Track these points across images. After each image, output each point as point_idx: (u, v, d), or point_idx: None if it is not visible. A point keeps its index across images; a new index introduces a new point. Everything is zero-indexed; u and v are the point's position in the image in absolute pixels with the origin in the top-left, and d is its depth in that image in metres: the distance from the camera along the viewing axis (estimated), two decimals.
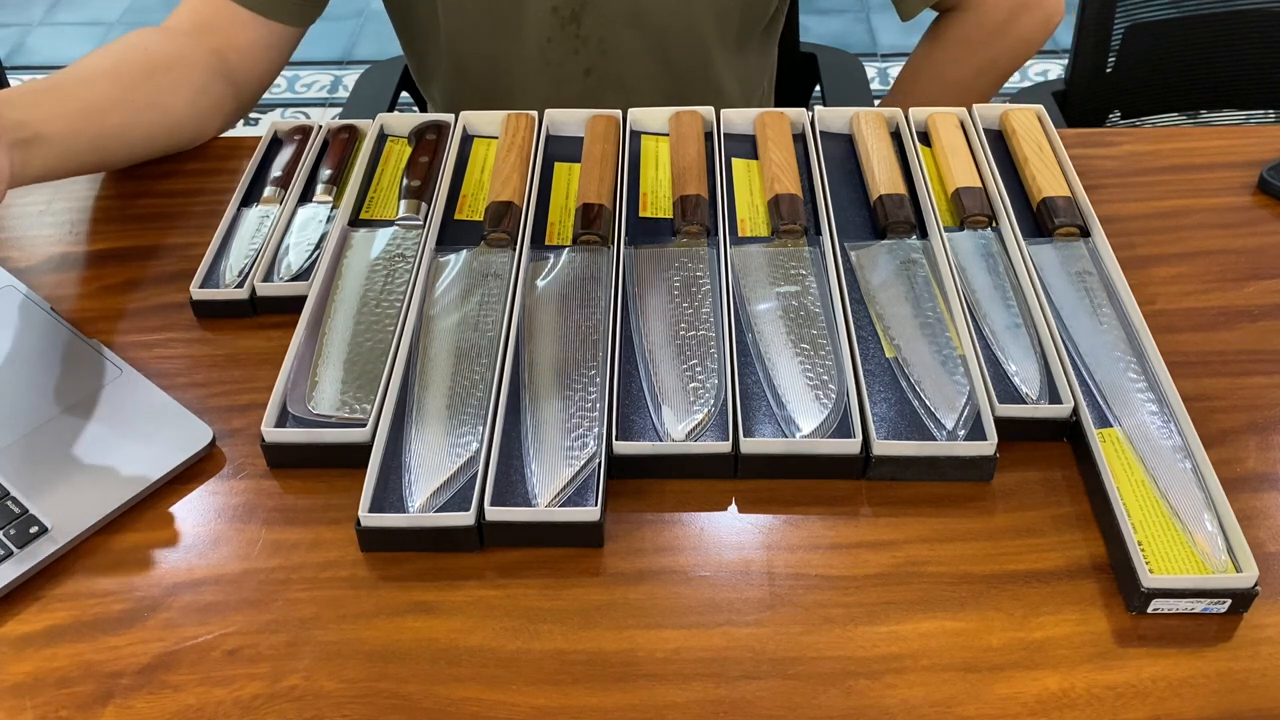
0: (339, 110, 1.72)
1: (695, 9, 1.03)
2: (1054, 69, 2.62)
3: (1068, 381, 0.70)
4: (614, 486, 0.67)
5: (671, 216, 0.84)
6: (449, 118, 0.94)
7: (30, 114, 0.78)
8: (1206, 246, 0.84)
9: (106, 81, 0.87)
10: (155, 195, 0.92)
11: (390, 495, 0.66)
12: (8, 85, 1.34)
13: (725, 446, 0.67)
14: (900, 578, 0.63)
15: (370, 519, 0.64)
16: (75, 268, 0.85)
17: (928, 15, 1.10)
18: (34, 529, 0.64)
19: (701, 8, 1.03)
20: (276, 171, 0.90)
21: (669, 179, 0.88)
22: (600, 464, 0.66)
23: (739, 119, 0.93)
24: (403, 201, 0.86)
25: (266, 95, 1.03)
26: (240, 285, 0.80)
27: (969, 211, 0.82)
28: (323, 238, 0.84)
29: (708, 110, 0.93)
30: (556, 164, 0.91)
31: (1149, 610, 0.60)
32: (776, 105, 1.21)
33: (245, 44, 0.97)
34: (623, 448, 0.67)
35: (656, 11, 1.02)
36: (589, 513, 0.64)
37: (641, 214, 0.85)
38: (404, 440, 0.68)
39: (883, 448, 0.66)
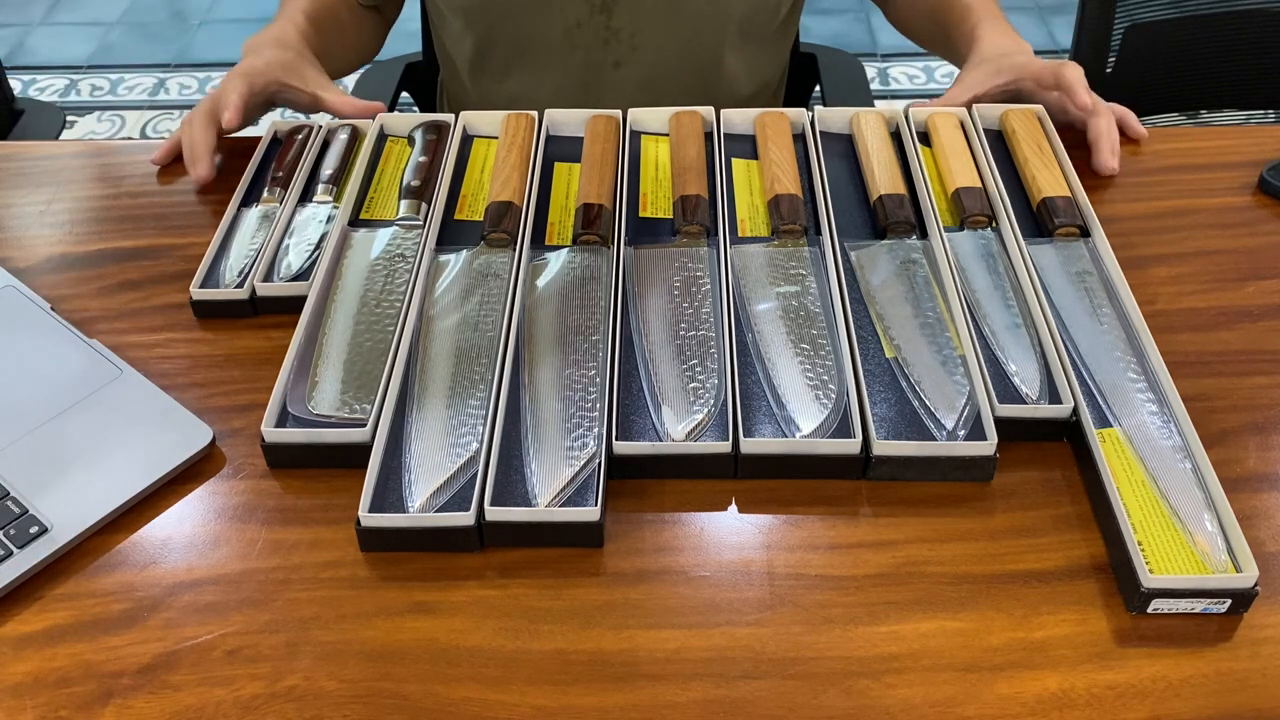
0: None
1: (726, 4, 1.04)
2: None
3: (1068, 381, 0.70)
4: (614, 486, 0.67)
5: (671, 216, 0.84)
6: (449, 118, 0.94)
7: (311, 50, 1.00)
8: (1206, 246, 0.84)
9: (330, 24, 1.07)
10: (155, 195, 0.92)
11: (390, 495, 0.66)
12: (8, 85, 1.34)
13: (725, 446, 0.67)
14: (900, 578, 0.63)
15: (370, 519, 0.64)
16: (75, 268, 0.85)
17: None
18: (34, 529, 0.64)
19: (732, 2, 1.04)
20: (276, 172, 0.90)
21: (669, 179, 0.88)
22: (600, 464, 0.66)
23: (739, 119, 0.93)
24: (403, 201, 0.86)
25: None
26: (240, 285, 0.80)
27: (969, 211, 0.82)
28: (323, 238, 0.84)
29: (708, 110, 0.93)
30: (556, 164, 0.91)
31: (1149, 610, 0.60)
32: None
33: None
34: (623, 448, 0.67)
35: (687, 4, 1.03)
36: (589, 513, 0.63)
37: (641, 214, 0.85)
38: (404, 440, 0.68)
39: (883, 448, 0.66)
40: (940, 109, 0.93)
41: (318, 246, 0.83)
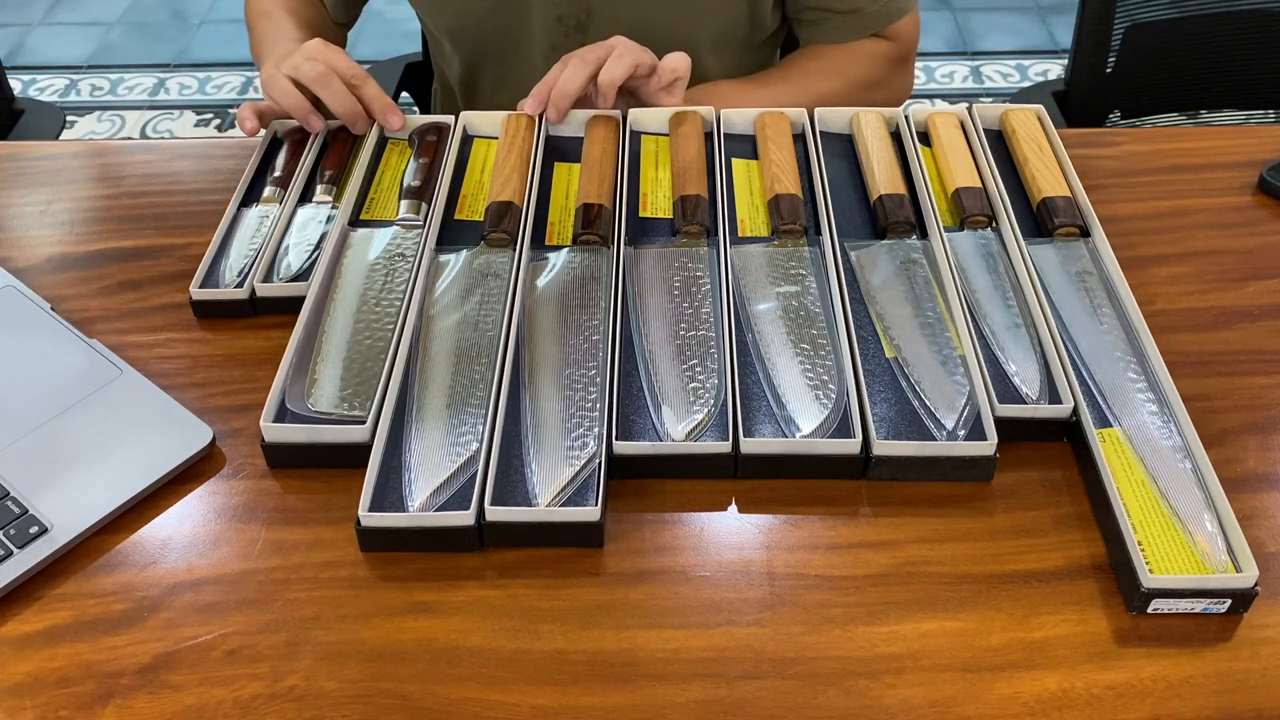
0: None
1: (697, 25, 1.04)
2: (1054, 69, 2.62)
3: (1068, 381, 0.70)
4: (614, 486, 0.67)
5: (671, 216, 0.84)
6: (449, 119, 0.94)
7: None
8: (1206, 246, 0.84)
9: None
10: (155, 195, 0.92)
11: (390, 495, 0.66)
12: (8, 85, 1.34)
13: (725, 446, 0.67)
14: (900, 578, 0.63)
15: (370, 519, 0.64)
16: (75, 268, 0.85)
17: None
18: (34, 529, 0.64)
19: (703, 24, 1.04)
20: (276, 171, 0.90)
21: (669, 179, 0.88)
22: (600, 464, 0.66)
23: (739, 119, 0.93)
24: (403, 201, 0.86)
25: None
26: (240, 285, 0.80)
27: (969, 211, 0.82)
28: (323, 238, 0.84)
29: (708, 110, 0.93)
30: (556, 164, 0.91)
31: (1149, 610, 0.60)
32: None
33: None
34: (623, 448, 0.67)
35: (659, 25, 1.03)
36: (589, 513, 0.63)
37: (641, 214, 0.85)
38: (404, 440, 0.68)
39: (883, 448, 0.66)
40: (941, 109, 0.93)
41: (318, 246, 0.83)
